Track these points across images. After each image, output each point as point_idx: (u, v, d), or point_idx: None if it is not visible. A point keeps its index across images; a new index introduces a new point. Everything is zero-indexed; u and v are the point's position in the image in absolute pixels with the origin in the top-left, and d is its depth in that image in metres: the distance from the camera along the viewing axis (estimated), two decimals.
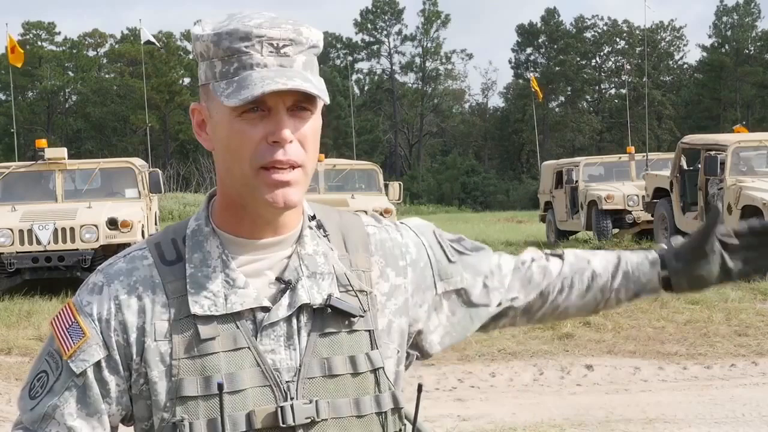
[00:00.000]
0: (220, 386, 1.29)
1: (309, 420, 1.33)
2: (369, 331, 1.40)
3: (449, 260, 1.54)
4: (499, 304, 1.58)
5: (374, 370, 1.38)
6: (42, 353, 1.39)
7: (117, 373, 1.34)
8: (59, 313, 1.39)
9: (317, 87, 1.29)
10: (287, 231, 1.39)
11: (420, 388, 1.45)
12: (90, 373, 1.33)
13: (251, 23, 1.29)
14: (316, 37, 1.34)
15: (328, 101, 1.31)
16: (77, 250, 11.47)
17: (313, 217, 1.44)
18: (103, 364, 1.33)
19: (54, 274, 11.67)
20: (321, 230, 1.43)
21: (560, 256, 1.64)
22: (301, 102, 1.30)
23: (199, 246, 1.37)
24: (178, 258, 1.37)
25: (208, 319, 1.33)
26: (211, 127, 1.35)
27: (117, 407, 1.35)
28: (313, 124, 1.33)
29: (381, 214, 14.12)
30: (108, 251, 11.57)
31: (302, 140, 1.31)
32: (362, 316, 1.39)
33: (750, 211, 11.27)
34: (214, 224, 1.39)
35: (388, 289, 1.45)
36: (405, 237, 1.52)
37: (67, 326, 1.35)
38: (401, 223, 1.55)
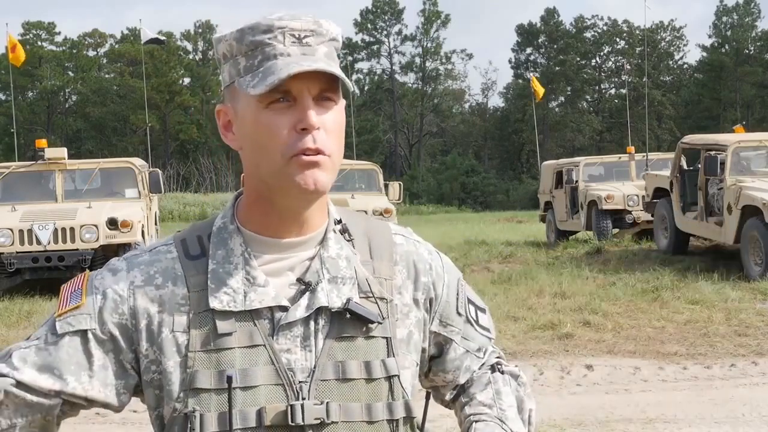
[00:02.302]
0: (230, 379, 1.31)
1: (318, 421, 1.34)
2: (386, 338, 1.40)
3: (457, 311, 1.53)
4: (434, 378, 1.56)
5: (389, 378, 1.38)
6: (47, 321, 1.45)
7: (104, 348, 1.36)
8: (74, 278, 1.45)
9: (341, 73, 1.31)
10: (312, 230, 1.40)
11: (428, 395, 1.46)
12: (67, 338, 1.35)
13: (272, 17, 1.32)
14: (336, 30, 1.36)
15: (351, 88, 1.33)
16: (77, 250, 11.46)
17: (339, 221, 1.45)
18: (90, 335, 1.36)
19: (54, 274, 11.66)
20: (346, 234, 1.44)
21: (489, 391, 1.53)
22: (326, 91, 1.32)
23: (223, 243, 1.39)
24: (202, 253, 1.39)
25: (226, 314, 1.34)
26: (238, 126, 1.36)
27: (98, 382, 1.36)
28: (337, 115, 1.35)
29: (381, 214, 14.11)
30: (108, 251, 11.58)
31: (327, 129, 1.32)
32: (380, 323, 1.39)
33: (750, 211, 11.25)
34: (239, 222, 1.40)
35: (409, 301, 1.46)
36: (432, 259, 1.51)
37: (72, 291, 1.41)
38: (437, 251, 1.55)
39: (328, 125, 1.32)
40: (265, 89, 1.27)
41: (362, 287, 1.40)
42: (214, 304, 1.34)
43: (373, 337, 1.39)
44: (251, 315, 1.35)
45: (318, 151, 1.30)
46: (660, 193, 14.29)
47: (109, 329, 1.36)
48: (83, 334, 1.36)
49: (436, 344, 1.52)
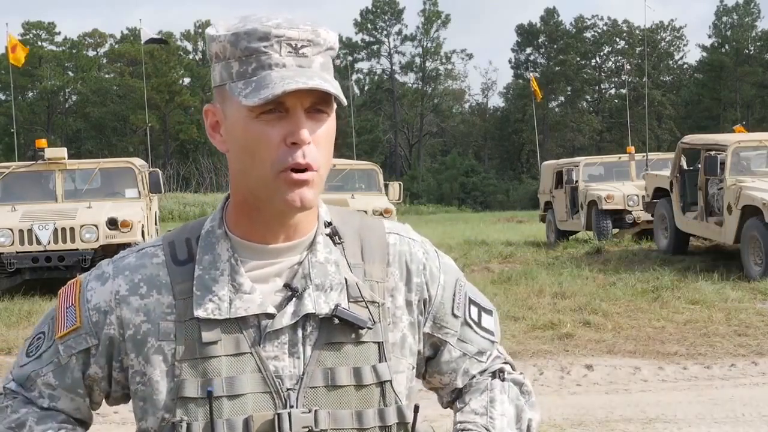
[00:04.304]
0: (210, 393, 1.29)
1: (307, 430, 1.31)
2: (378, 343, 1.37)
3: (453, 312, 1.48)
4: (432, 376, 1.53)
5: (380, 383, 1.35)
6: (49, 314, 1.46)
7: (100, 362, 1.39)
8: (68, 287, 1.45)
9: (336, 88, 1.28)
10: (300, 236, 1.37)
11: (416, 408, 1.42)
12: (74, 359, 1.38)
13: (270, 23, 1.28)
14: (333, 39, 1.33)
15: (345, 103, 1.30)
16: (77, 250, 11.46)
17: (329, 224, 1.41)
18: (93, 351, 1.38)
19: (54, 274, 11.65)
20: (336, 237, 1.40)
21: (486, 397, 1.49)
22: (318, 104, 1.29)
23: (211, 248, 1.36)
24: (190, 258, 1.37)
25: (211, 323, 1.32)
26: (226, 129, 1.34)
27: (96, 390, 1.41)
28: (329, 126, 1.32)
29: (381, 214, 14.10)
30: (108, 251, 11.56)
31: (317, 142, 1.30)
32: (370, 328, 1.36)
33: (750, 211, 11.25)
34: (228, 226, 1.38)
35: (402, 303, 1.42)
36: (427, 258, 1.47)
37: (67, 306, 1.41)
38: (435, 250, 1.50)
39: (319, 138, 1.30)
40: (258, 102, 1.24)
41: (352, 292, 1.36)
42: (199, 312, 1.32)
43: (364, 342, 1.35)
44: (237, 323, 1.33)
45: (308, 167, 1.28)
46: (660, 193, 14.28)
47: (105, 341, 1.38)
48: (86, 352, 1.39)
49: (431, 345, 1.49)
